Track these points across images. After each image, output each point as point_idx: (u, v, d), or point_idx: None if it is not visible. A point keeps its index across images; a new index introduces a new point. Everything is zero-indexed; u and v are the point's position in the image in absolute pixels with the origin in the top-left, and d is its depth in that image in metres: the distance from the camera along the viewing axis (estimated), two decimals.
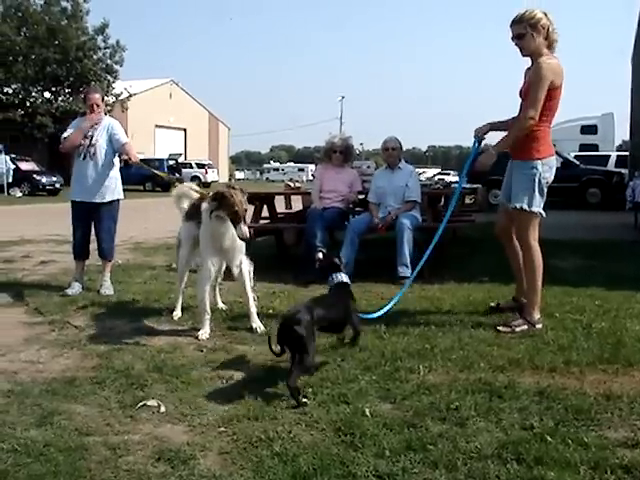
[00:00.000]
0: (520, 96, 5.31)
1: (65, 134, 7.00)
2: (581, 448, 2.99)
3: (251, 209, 8.74)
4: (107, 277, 6.94)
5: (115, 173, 7.00)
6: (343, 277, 4.74)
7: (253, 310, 5.26)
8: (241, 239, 5.00)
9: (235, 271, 5.28)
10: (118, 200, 7.04)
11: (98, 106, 6.97)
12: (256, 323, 5.21)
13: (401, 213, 7.49)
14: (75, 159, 6.95)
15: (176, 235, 6.12)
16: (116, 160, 7.01)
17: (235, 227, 4.89)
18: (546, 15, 5.06)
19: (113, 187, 6.95)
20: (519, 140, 5.14)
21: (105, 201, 6.87)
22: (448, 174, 64.60)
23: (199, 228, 5.37)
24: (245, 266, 5.31)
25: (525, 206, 5.14)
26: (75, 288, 6.79)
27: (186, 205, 5.93)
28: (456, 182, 19.98)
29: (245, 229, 4.86)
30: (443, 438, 3.13)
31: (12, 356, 4.65)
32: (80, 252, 6.99)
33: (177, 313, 5.73)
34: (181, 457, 2.99)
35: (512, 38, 5.14)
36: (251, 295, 5.30)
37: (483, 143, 5.59)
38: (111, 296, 6.63)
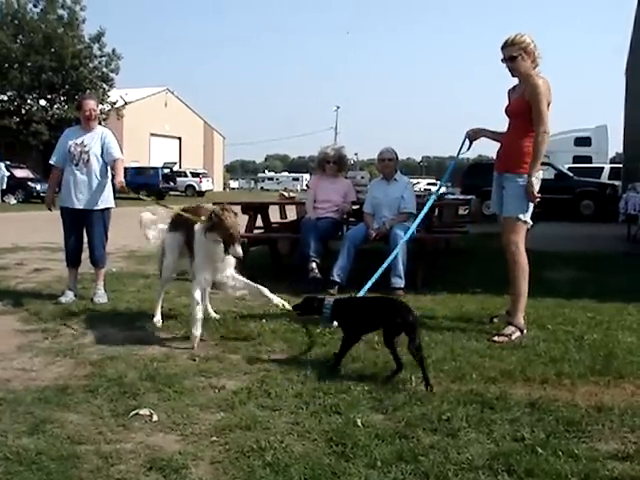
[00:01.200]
0: (507, 114, 5.59)
1: (52, 159, 7.03)
2: (572, 460, 3.00)
3: (245, 219, 8.78)
4: (100, 285, 6.93)
5: (106, 181, 6.98)
6: None
7: (267, 292, 5.36)
8: (237, 259, 5.14)
9: (227, 280, 5.35)
10: (109, 208, 7.04)
11: (94, 112, 6.97)
12: (277, 299, 5.36)
13: (395, 224, 7.50)
14: (67, 166, 6.91)
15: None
16: (108, 169, 6.99)
17: (228, 248, 4.98)
18: (532, 40, 5.38)
19: (105, 195, 6.94)
20: (511, 154, 5.43)
21: (96, 209, 6.87)
22: (435, 184, 64.53)
23: (184, 237, 5.57)
24: (234, 271, 5.39)
25: (520, 215, 5.36)
26: (68, 296, 6.78)
27: (153, 231, 6.06)
28: (449, 193, 20.06)
29: (239, 249, 4.98)
30: (434, 449, 3.14)
31: (5, 364, 4.64)
32: (73, 259, 6.99)
33: (158, 319, 5.79)
34: (173, 466, 2.99)
35: (503, 60, 5.42)
36: (258, 285, 5.39)
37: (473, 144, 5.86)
38: (104, 304, 6.62)
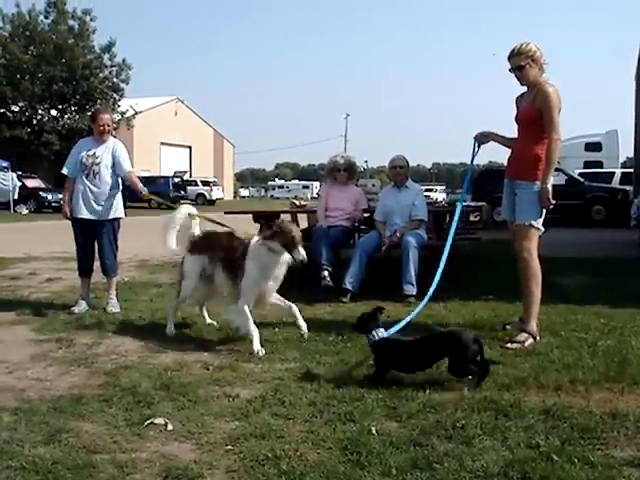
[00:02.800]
0: (517, 122, 5.63)
1: (65, 170, 7.06)
2: (587, 467, 3.00)
3: (257, 227, 8.79)
4: (113, 295, 6.97)
5: (117, 192, 7.04)
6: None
7: (297, 313, 5.61)
8: (300, 262, 5.23)
9: (274, 301, 5.60)
10: (119, 219, 7.08)
11: (109, 126, 7.03)
12: (304, 325, 5.58)
13: (407, 231, 7.50)
14: (78, 177, 6.96)
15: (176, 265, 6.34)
16: (119, 180, 7.05)
17: (292, 252, 5.18)
18: (537, 47, 5.43)
19: (115, 206, 6.99)
20: (523, 161, 5.46)
21: (106, 219, 6.91)
22: (434, 190, 64.08)
23: (209, 261, 5.74)
24: (273, 298, 5.60)
25: (533, 222, 5.38)
26: (82, 306, 6.82)
27: (184, 231, 6.10)
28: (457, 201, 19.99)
29: (303, 252, 5.21)
30: (449, 457, 3.13)
31: (19, 373, 4.67)
32: (85, 269, 7.04)
33: (171, 329, 5.85)
34: (188, 475, 3.00)
35: (511, 69, 5.48)
36: (291, 306, 5.64)
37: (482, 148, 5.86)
38: (117, 314, 6.66)
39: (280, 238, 5.22)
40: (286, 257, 5.27)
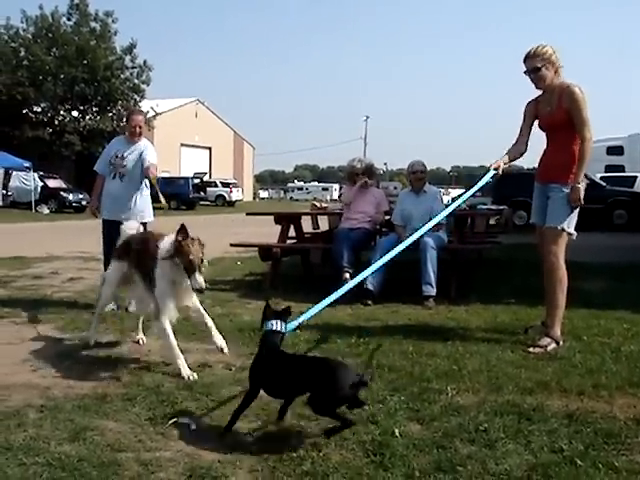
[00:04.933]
0: (544, 128, 5.55)
1: (97, 167, 7.13)
2: (612, 472, 2.98)
3: (278, 229, 8.83)
4: None
5: (145, 194, 7.08)
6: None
7: (215, 331, 4.90)
8: (197, 290, 4.65)
9: (191, 311, 4.98)
10: (146, 223, 6.83)
11: (141, 128, 7.07)
12: (221, 341, 4.85)
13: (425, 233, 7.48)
14: (107, 177, 7.05)
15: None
16: (146, 182, 7.08)
17: (190, 277, 4.58)
18: (554, 50, 5.37)
19: (141, 209, 7.01)
20: (558, 165, 5.36)
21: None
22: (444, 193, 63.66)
23: (129, 268, 5.29)
24: (198, 305, 5.00)
25: (565, 226, 5.31)
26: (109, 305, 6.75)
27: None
28: (481, 203, 19.91)
29: (201, 279, 4.56)
30: (472, 459, 3.13)
31: (44, 372, 4.72)
32: None
33: (93, 337, 5.53)
34: (212, 474, 3.02)
35: (526, 72, 5.42)
36: (209, 318, 4.97)
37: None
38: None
39: (180, 258, 4.60)
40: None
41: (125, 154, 6.96)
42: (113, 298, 5.70)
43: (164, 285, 4.77)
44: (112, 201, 6.95)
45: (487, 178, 5.58)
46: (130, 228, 5.70)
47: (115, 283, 5.53)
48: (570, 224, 5.33)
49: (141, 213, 7.00)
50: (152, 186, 6.97)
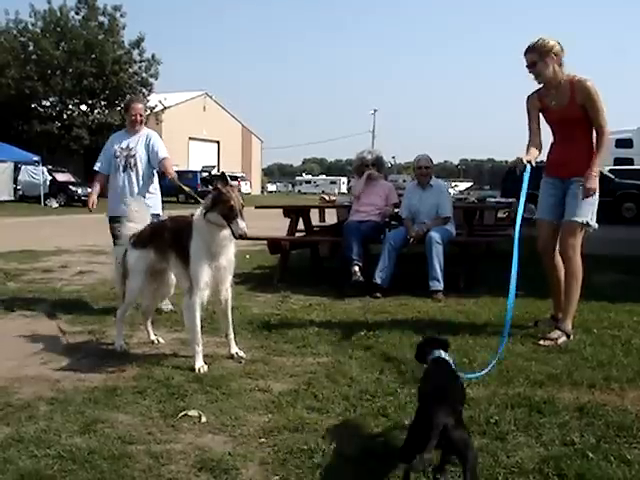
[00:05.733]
0: (556, 123, 5.43)
1: (96, 165, 6.99)
2: (624, 465, 2.97)
3: (287, 222, 8.83)
4: None
5: (155, 187, 6.94)
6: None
7: (232, 337, 4.92)
8: (239, 237, 4.44)
9: (222, 296, 4.82)
10: (156, 215, 6.59)
11: (141, 116, 6.91)
12: (235, 349, 4.90)
13: (432, 227, 7.48)
14: (113, 172, 6.83)
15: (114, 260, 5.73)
16: (155, 174, 6.94)
17: (230, 224, 4.42)
18: (559, 43, 5.25)
19: (152, 202, 6.77)
20: (581, 160, 5.22)
21: None
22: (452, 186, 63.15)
23: (156, 256, 5.06)
24: (229, 294, 4.87)
25: (589, 220, 5.25)
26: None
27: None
28: (490, 196, 19.85)
29: (242, 224, 4.39)
30: (484, 452, 3.12)
31: (54, 364, 4.73)
32: None
33: (120, 344, 5.22)
34: (223, 467, 3.02)
35: (527, 66, 5.31)
36: (231, 325, 4.93)
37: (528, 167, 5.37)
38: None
39: (218, 208, 4.46)
40: (227, 232, 4.50)
41: (130, 144, 6.78)
42: (141, 292, 5.25)
43: (200, 258, 4.57)
44: (123, 196, 6.55)
45: (527, 175, 5.32)
46: (134, 224, 5.42)
47: (144, 272, 5.13)
48: (593, 217, 5.27)
49: (152, 206, 6.67)
50: (173, 185, 6.68)
